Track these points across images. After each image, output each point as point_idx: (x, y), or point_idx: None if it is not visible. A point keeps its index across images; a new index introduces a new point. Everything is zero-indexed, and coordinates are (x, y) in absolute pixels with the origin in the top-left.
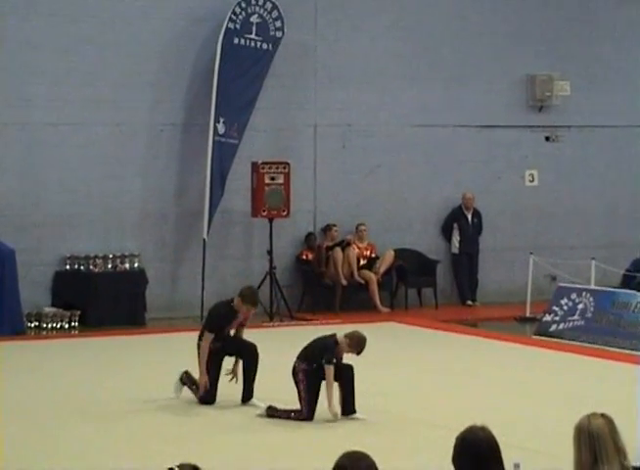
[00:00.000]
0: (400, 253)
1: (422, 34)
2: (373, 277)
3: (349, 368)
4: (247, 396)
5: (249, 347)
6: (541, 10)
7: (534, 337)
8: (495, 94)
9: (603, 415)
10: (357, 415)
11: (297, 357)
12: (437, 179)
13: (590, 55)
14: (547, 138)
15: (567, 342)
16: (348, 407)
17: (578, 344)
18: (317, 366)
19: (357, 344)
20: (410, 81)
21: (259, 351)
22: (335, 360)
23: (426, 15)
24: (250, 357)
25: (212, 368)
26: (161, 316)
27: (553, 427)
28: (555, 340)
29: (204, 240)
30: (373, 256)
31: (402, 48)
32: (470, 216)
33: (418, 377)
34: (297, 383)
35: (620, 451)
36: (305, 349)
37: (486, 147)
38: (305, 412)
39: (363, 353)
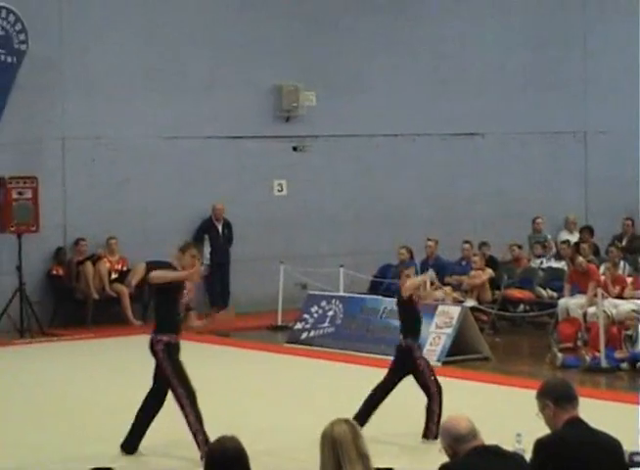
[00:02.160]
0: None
1: (169, 45)
2: (125, 290)
3: None
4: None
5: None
6: (286, 21)
7: (286, 345)
8: (244, 105)
9: (347, 421)
10: None
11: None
12: (188, 191)
13: (334, 65)
14: (295, 148)
15: (318, 349)
16: None
17: (329, 350)
18: None
19: None
20: (159, 93)
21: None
22: None
23: (172, 25)
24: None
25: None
26: None
27: (304, 433)
28: (306, 347)
29: None
30: (125, 269)
31: (150, 59)
32: (220, 227)
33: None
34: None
35: (363, 456)
36: None
37: (235, 158)
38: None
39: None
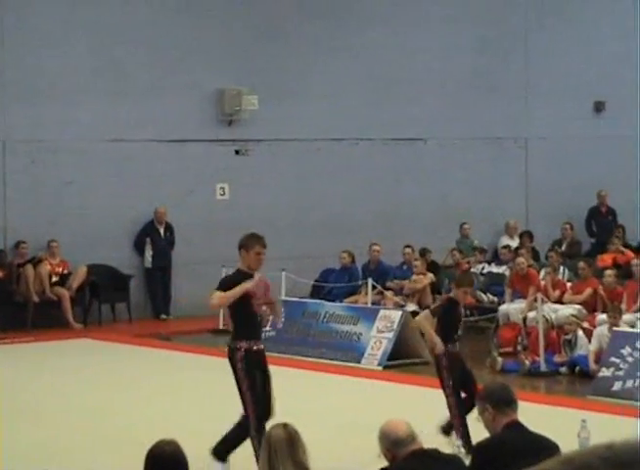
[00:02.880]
0: (93, 268)
1: (112, 49)
2: (66, 293)
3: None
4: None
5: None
6: (230, 25)
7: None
8: (186, 109)
9: (285, 426)
10: None
11: None
12: (130, 194)
13: (277, 69)
14: (237, 152)
15: None
16: None
17: (270, 354)
18: None
19: None
20: (101, 96)
21: None
22: None
23: (115, 28)
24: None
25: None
26: None
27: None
28: None
29: None
30: (65, 272)
31: (93, 63)
32: (162, 230)
33: (111, 392)
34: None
35: (298, 465)
36: None
37: (178, 161)
38: None
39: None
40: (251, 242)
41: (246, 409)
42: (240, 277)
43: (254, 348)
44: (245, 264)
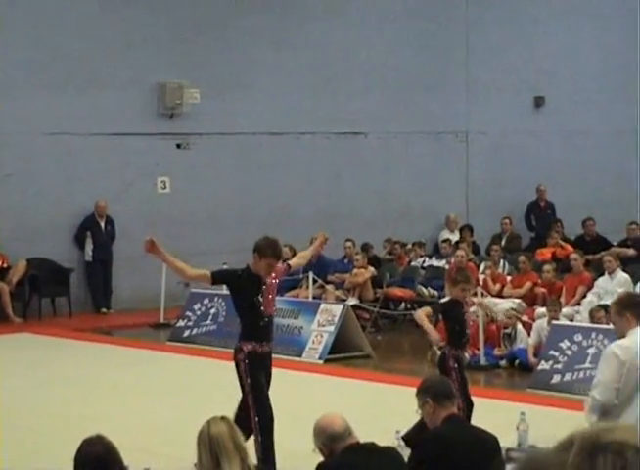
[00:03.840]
0: (33, 262)
1: (53, 41)
2: (5, 288)
3: None
4: None
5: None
6: (171, 18)
7: (169, 343)
8: (127, 102)
9: (223, 418)
10: None
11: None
12: (70, 187)
13: (219, 63)
14: (178, 145)
15: (200, 346)
16: None
17: (211, 348)
18: None
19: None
20: (41, 89)
21: None
22: None
23: (56, 21)
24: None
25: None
26: None
27: (183, 431)
28: (189, 345)
29: None
30: (5, 266)
31: (33, 56)
32: (103, 224)
33: (50, 387)
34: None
35: (240, 451)
36: None
37: (119, 155)
38: None
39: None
40: (266, 252)
41: (248, 412)
42: (248, 278)
43: (259, 350)
44: (255, 268)
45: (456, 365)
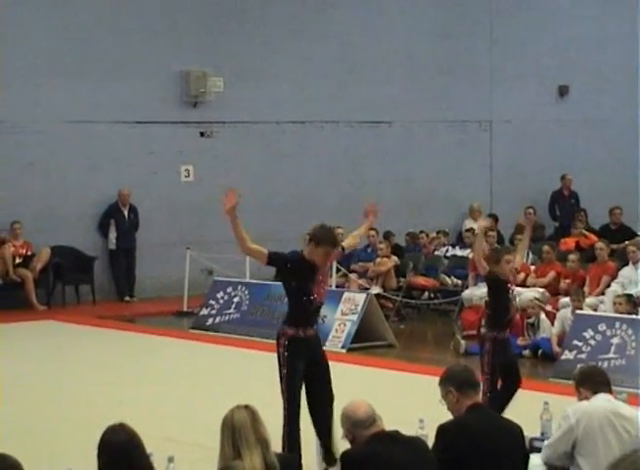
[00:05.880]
0: (57, 250)
1: (76, 29)
2: (29, 275)
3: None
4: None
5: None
6: (194, 6)
7: (192, 331)
8: (150, 90)
9: (247, 407)
10: None
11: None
12: (94, 176)
13: (242, 51)
14: (202, 134)
15: (223, 334)
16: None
17: (234, 336)
18: None
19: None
20: (63, 77)
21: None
22: None
23: (79, 9)
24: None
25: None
26: None
27: (207, 419)
28: (212, 333)
29: None
30: (29, 253)
31: (56, 44)
32: (126, 212)
33: (74, 375)
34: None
35: (262, 441)
36: None
37: (142, 143)
38: None
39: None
40: (323, 241)
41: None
42: (302, 265)
43: (302, 334)
44: (309, 256)
45: (492, 348)
